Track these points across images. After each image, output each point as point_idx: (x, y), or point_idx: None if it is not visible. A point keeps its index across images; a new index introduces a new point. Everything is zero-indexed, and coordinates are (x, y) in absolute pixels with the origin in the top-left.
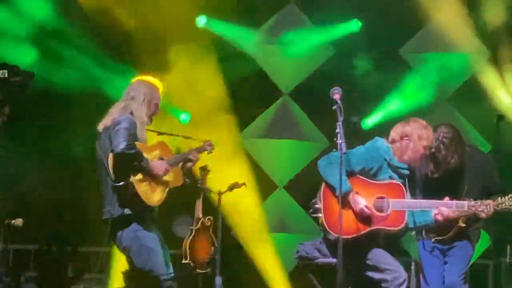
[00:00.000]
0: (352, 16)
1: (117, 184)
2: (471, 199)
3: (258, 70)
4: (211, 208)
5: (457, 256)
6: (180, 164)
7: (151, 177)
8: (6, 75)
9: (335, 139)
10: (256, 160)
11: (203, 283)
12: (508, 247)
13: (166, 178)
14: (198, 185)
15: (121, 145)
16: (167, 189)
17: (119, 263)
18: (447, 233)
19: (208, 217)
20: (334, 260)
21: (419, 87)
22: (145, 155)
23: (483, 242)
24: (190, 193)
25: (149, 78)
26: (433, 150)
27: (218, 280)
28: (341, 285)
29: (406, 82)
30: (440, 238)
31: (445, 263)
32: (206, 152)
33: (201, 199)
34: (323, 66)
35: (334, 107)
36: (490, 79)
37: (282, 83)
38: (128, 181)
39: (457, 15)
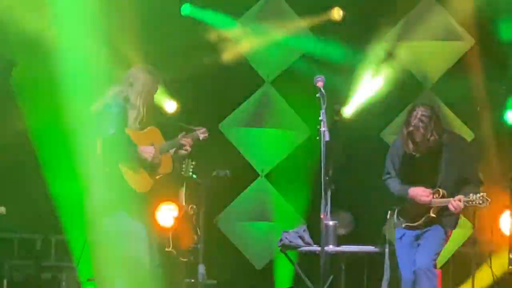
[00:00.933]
0: (334, 4)
1: (105, 170)
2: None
3: (240, 58)
4: (195, 197)
5: (428, 239)
6: (173, 151)
7: (140, 162)
8: None
9: (318, 126)
10: (238, 148)
11: (186, 271)
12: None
13: (156, 164)
14: (182, 173)
15: (108, 132)
16: (157, 176)
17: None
18: (418, 220)
19: (191, 205)
20: (318, 248)
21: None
22: (135, 141)
23: (466, 230)
24: (174, 182)
25: (150, 68)
26: (411, 128)
27: (201, 268)
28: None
29: (387, 70)
30: (411, 224)
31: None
32: (199, 139)
33: (184, 187)
34: (305, 54)
35: (317, 95)
36: (471, 67)
37: (263, 71)
38: (115, 167)
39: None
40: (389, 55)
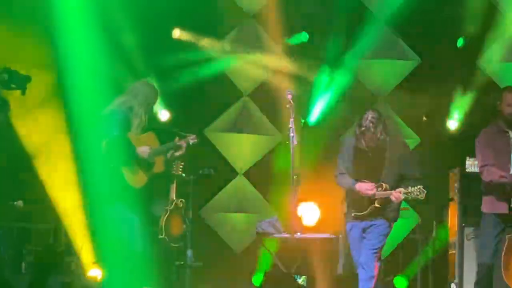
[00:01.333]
0: (302, 29)
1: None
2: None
3: (223, 75)
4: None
5: (372, 234)
6: (170, 152)
7: (137, 161)
8: (7, 78)
9: (287, 132)
10: (220, 151)
11: (177, 255)
12: (434, 223)
13: (151, 163)
14: (173, 172)
15: (112, 134)
16: (150, 174)
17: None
18: (364, 210)
19: (181, 199)
20: (288, 235)
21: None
22: (134, 143)
23: (413, 220)
24: (165, 178)
25: (151, 83)
26: (363, 128)
27: (189, 252)
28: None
29: (348, 85)
30: (359, 214)
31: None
32: (189, 144)
33: (174, 184)
34: (276, 71)
35: (287, 106)
36: (418, 82)
37: (242, 86)
38: (116, 163)
39: None
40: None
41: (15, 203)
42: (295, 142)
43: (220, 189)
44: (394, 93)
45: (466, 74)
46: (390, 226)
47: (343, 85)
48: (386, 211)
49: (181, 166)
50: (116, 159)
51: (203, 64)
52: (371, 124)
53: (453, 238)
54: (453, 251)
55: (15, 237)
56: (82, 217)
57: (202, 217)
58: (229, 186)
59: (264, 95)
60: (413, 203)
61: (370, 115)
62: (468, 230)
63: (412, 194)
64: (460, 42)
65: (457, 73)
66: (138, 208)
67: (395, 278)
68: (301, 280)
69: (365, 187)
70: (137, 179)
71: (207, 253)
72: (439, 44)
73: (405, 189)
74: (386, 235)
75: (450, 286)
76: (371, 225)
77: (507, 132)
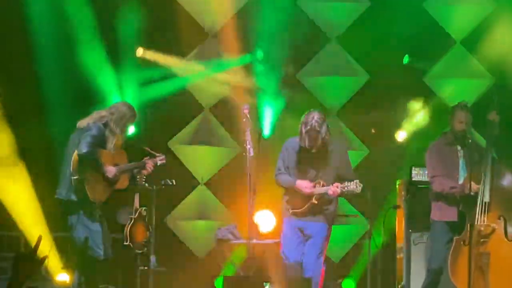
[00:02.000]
0: (257, 47)
1: (73, 177)
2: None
3: (185, 90)
4: (148, 200)
5: (314, 238)
6: (137, 170)
7: (102, 178)
8: None
9: (245, 144)
10: (183, 161)
11: (140, 261)
12: (382, 229)
13: (114, 180)
14: (137, 182)
15: (84, 150)
16: (111, 190)
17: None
18: (302, 206)
19: (144, 207)
20: (245, 241)
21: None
22: (103, 160)
23: (363, 226)
24: (130, 189)
25: (129, 104)
26: (309, 127)
27: (153, 258)
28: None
29: (298, 102)
30: (297, 211)
31: (305, 241)
32: (157, 164)
33: (138, 194)
34: (235, 87)
35: (244, 120)
36: (368, 97)
37: (203, 101)
38: (82, 177)
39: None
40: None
41: None
42: (252, 154)
43: (182, 198)
44: (345, 107)
45: (413, 90)
46: (329, 229)
47: (295, 100)
48: (325, 213)
49: (144, 177)
50: (82, 172)
51: (167, 81)
52: (316, 124)
53: (400, 243)
54: (401, 256)
55: None
56: (44, 225)
57: (165, 225)
58: (191, 195)
59: (224, 109)
60: (350, 196)
61: (316, 115)
62: (415, 236)
63: (348, 187)
64: (406, 59)
65: (404, 89)
66: (101, 218)
67: (343, 281)
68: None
69: (304, 185)
70: (98, 195)
71: (171, 258)
72: (387, 61)
73: (341, 183)
74: (327, 237)
75: (400, 287)
76: (310, 227)
77: (456, 145)
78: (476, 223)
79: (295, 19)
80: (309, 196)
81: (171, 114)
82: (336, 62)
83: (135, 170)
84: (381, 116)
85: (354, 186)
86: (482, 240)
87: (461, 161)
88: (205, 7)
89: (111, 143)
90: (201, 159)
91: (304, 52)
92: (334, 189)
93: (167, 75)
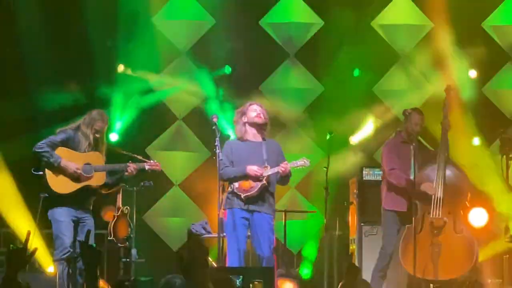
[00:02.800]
0: (226, 62)
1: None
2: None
3: (160, 102)
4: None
5: (263, 229)
6: (120, 171)
7: (61, 171)
8: None
9: (214, 149)
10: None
11: (123, 253)
12: (337, 223)
13: (77, 176)
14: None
15: (34, 147)
16: (82, 184)
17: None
18: (253, 189)
19: (126, 206)
20: (215, 235)
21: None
22: (67, 157)
23: (320, 220)
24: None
25: (102, 111)
26: (256, 117)
27: (134, 251)
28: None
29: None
30: (249, 194)
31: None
32: (145, 169)
33: (120, 193)
34: (206, 98)
35: (213, 127)
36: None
37: (177, 111)
38: (41, 172)
39: None
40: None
41: None
42: (220, 157)
43: (159, 197)
44: (303, 115)
45: (363, 99)
46: (272, 220)
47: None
48: (268, 204)
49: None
50: (39, 169)
51: (145, 94)
52: (262, 114)
53: (353, 235)
54: (353, 246)
55: None
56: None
57: (144, 221)
58: (167, 195)
59: (196, 119)
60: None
61: (258, 106)
62: (366, 228)
63: (297, 163)
64: (356, 72)
65: (356, 98)
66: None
67: (300, 269)
68: (238, 281)
69: (255, 169)
70: (61, 186)
71: (149, 251)
72: (339, 74)
73: (289, 162)
74: (273, 228)
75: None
76: (254, 218)
77: (409, 143)
78: (430, 215)
79: (258, 37)
80: (259, 179)
81: (148, 123)
82: (294, 76)
83: (121, 171)
84: (334, 123)
85: (303, 162)
86: (435, 231)
87: (412, 160)
88: (180, 30)
89: (84, 145)
90: (175, 163)
91: (266, 66)
92: (284, 166)
93: (145, 88)
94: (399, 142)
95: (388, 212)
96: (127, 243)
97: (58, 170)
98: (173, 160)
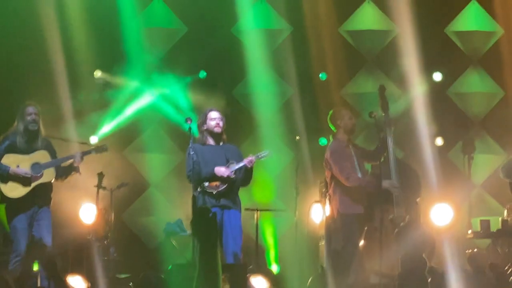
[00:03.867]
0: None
1: None
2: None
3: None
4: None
5: (235, 226)
6: (69, 163)
7: (11, 178)
8: None
9: (188, 151)
10: (136, 167)
11: (102, 251)
12: (307, 221)
13: (27, 178)
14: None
15: None
16: (35, 184)
17: None
18: (223, 184)
19: (104, 206)
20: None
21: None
22: (14, 163)
23: (291, 218)
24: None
25: (33, 103)
26: (215, 130)
27: (112, 249)
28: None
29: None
30: (221, 189)
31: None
32: (93, 153)
33: (98, 194)
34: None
35: (188, 131)
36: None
37: (153, 115)
38: None
39: None
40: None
41: None
42: (195, 159)
43: (136, 198)
44: (274, 117)
45: (331, 101)
46: (241, 216)
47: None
48: (237, 201)
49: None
50: None
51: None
52: (221, 122)
53: (321, 231)
54: (322, 243)
55: None
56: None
57: (123, 220)
58: (143, 195)
59: (170, 123)
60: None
61: (217, 114)
62: (332, 225)
63: (261, 155)
64: (323, 76)
65: (324, 101)
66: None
67: (270, 264)
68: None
69: (222, 169)
70: (14, 192)
71: (126, 249)
72: (309, 78)
73: (253, 154)
74: (241, 224)
75: (321, 268)
76: (225, 215)
77: (348, 146)
78: (389, 214)
79: (230, 45)
80: (225, 177)
81: (130, 128)
82: (264, 80)
83: (67, 161)
84: (304, 124)
85: (265, 153)
86: (395, 229)
87: (355, 160)
88: (157, 38)
89: (23, 143)
90: (151, 165)
91: (238, 72)
92: (250, 158)
93: (126, 96)
94: (343, 147)
95: (347, 216)
96: (106, 241)
97: (9, 178)
98: (150, 161)
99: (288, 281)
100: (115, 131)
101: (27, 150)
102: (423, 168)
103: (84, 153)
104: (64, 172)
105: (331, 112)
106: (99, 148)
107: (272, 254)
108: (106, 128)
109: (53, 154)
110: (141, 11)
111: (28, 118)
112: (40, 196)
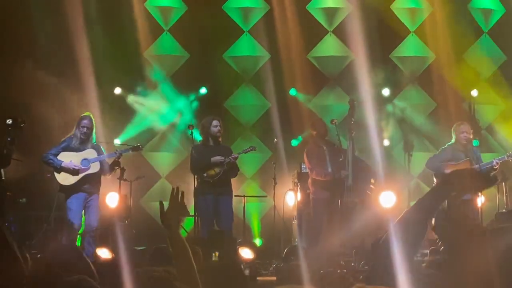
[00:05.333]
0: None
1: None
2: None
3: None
4: (127, 189)
5: (226, 210)
6: (112, 159)
7: (66, 170)
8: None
9: (192, 151)
10: (150, 163)
11: (124, 229)
12: (283, 205)
13: (76, 171)
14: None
15: (42, 156)
16: (82, 175)
17: None
18: (219, 172)
19: (125, 194)
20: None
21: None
22: (68, 159)
23: (269, 203)
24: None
25: (86, 114)
26: (216, 134)
27: (132, 228)
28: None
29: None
30: (216, 177)
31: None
32: (130, 152)
33: (120, 185)
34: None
35: (189, 135)
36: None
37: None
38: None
39: None
40: None
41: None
42: (196, 156)
43: (151, 186)
44: (256, 124)
45: (302, 113)
46: (232, 201)
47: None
48: (229, 189)
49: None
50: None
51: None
52: (219, 128)
53: (294, 213)
54: (295, 222)
55: None
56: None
57: (141, 205)
58: (156, 185)
59: (175, 129)
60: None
61: (218, 122)
62: (303, 208)
63: (246, 150)
64: (293, 92)
65: (295, 111)
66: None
67: (255, 239)
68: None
69: (218, 158)
70: (66, 180)
71: (146, 231)
72: (283, 93)
73: (237, 153)
74: (232, 207)
75: (294, 243)
76: (220, 200)
77: (322, 147)
78: (344, 198)
79: (220, 70)
80: (220, 165)
81: (143, 133)
82: (248, 95)
83: (110, 158)
84: (280, 130)
85: (250, 148)
86: (348, 211)
87: (327, 158)
88: (164, 61)
89: (77, 143)
90: (162, 161)
91: (227, 90)
92: (234, 156)
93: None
94: (315, 147)
95: (317, 199)
96: (126, 221)
97: (61, 169)
98: (161, 159)
99: (268, 252)
100: (134, 135)
101: (79, 149)
102: (373, 163)
103: (123, 151)
104: (109, 167)
105: (311, 122)
106: (135, 148)
107: (255, 231)
108: (128, 133)
109: (99, 152)
110: (154, 41)
111: (82, 128)
112: (89, 185)
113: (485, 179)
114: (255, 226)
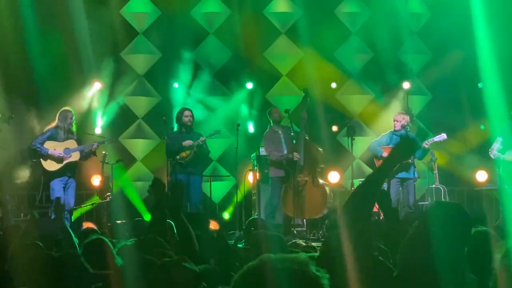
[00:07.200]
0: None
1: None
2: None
3: (125, 105)
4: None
5: (196, 189)
6: (88, 149)
7: (51, 157)
8: None
9: (164, 138)
10: (127, 149)
11: (106, 205)
12: (242, 183)
13: (60, 158)
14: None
15: (31, 144)
16: (66, 162)
17: None
18: (189, 155)
19: (107, 175)
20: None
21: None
22: (52, 147)
23: (231, 182)
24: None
25: (69, 109)
26: (189, 118)
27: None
28: None
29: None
30: (187, 158)
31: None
32: (106, 143)
33: (103, 168)
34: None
35: (163, 118)
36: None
37: (138, 111)
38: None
39: None
40: None
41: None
42: (169, 142)
43: (129, 168)
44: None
45: (259, 102)
46: (201, 180)
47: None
48: (198, 170)
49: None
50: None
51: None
52: (190, 118)
53: (254, 189)
54: (254, 197)
55: None
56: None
57: (120, 185)
58: (133, 166)
59: (152, 116)
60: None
61: (190, 112)
62: (262, 185)
63: (211, 135)
64: (251, 86)
65: (256, 101)
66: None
67: (223, 213)
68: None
69: (188, 141)
70: (51, 166)
71: (122, 203)
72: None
73: (204, 136)
74: (201, 186)
75: (254, 215)
76: (191, 180)
77: (277, 131)
78: (296, 177)
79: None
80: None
81: (121, 120)
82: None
83: (88, 148)
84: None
85: (214, 132)
86: (299, 187)
87: (283, 141)
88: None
89: (62, 135)
90: (137, 147)
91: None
92: (202, 138)
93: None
94: (271, 133)
95: (273, 177)
96: (108, 199)
97: (47, 157)
98: (136, 145)
99: (233, 224)
100: (110, 123)
101: (62, 139)
102: (322, 146)
103: (100, 143)
104: (86, 155)
105: (268, 110)
106: (110, 140)
107: (221, 206)
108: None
109: (79, 143)
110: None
111: (69, 120)
112: (70, 170)
113: (406, 146)
114: (221, 202)
